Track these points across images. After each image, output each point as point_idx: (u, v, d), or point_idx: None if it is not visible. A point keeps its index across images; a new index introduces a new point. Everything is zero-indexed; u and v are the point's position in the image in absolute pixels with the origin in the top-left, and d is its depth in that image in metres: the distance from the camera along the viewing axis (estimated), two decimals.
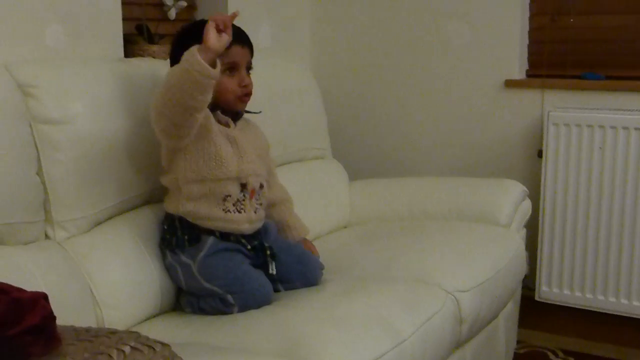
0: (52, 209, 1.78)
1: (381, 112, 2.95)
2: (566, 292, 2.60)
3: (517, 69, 2.71)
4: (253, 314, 1.73)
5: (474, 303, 1.98)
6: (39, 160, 1.76)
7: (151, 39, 2.41)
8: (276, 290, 1.87)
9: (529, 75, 2.74)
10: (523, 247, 2.37)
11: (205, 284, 1.79)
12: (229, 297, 1.76)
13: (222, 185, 1.80)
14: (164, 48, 2.37)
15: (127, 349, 1.25)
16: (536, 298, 2.65)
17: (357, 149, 2.98)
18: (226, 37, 1.68)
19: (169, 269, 1.86)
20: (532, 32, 2.73)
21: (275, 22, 2.85)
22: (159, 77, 2.06)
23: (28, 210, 1.72)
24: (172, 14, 2.51)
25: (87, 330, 1.35)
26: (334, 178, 2.62)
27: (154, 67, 2.10)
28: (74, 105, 1.82)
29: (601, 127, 2.47)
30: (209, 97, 1.71)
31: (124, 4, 2.29)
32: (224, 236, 1.82)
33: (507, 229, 2.37)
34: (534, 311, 2.67)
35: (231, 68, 1.84)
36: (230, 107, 1.88)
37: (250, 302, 1.76)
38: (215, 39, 1.66)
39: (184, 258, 1.81)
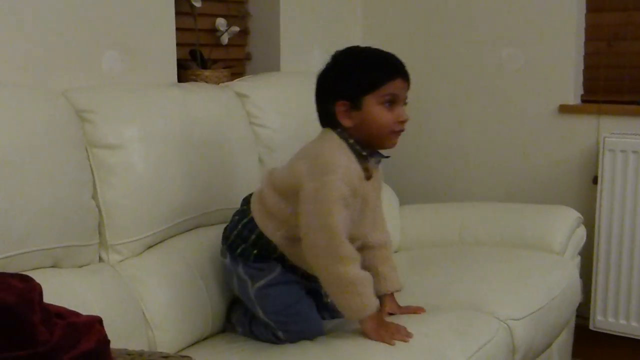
0: (106, 232, 1.80)
1: (434, 137, 2.94)
2: (622, 321, 2.53)
3: (572, 94, 2.67)
4: (304, 342, 1.72)
5: (527, 332, 1.94)
6: (94, 184, 1.79)
7: (204, 64, 2.44)
8: (322, 318, 1.85)
9: (584, 100, 2.70)
10: (577, 275, 2.32)
11: (259, 311, 1.77)
12: (280, 334, 1.74)
13: None
14: (217, 73, 2.40)
15: None
16: (591, 327, 2.59)
17: (408, 174, 2.97)
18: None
19: (225, 268, 1.83)
20: (587, 57, 2.69)
21: (327, 45, 2.85)
22: (212, 101, 2.09)
23: (83, 234, 1.75)
24: (225, 39, 2.54)
25: (140, 354, 1.36)
26: (384, 202, 2.60)
27: (208, 92, 2.13)
28: (128, 130, 1.85)
29: None
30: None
31: (177, 29, 2.32)
32: (290, 268, 1.78)
33: (561, 257, 2.33)
34: (588, 341, 2.60)
35: (391, 101, 1.70)
36: (381, 143, 1.73)
37: (301, 338, 1.73)
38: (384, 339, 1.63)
39: (242, 272, 1.78)
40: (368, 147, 1.73)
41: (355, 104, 1.70)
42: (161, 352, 1.43)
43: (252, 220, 1.78)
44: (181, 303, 1.83)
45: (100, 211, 1.79)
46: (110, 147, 1.81)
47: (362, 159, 1.72)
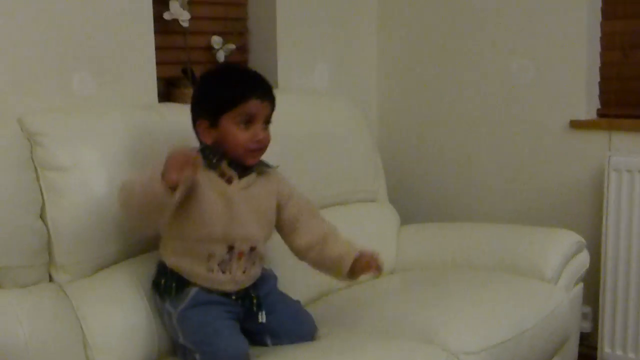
0: (55, 253, 1.83)
1: (443, 153, 2.84)
2: (631, 355, 2.35)
3: (584, 108, 2.50)
4: None
5: None
6: (43, 205, 1.83)
7: (195, 82, 2.45)
8: (264, 344, 1.83)
9: (600, 114, 2.53)
10: (566, 305, 2.16)
11: (180, 338, 1.76)
12: (197, 356, 1.72)
13: (206, 245, 1.76)
14: None
15: None
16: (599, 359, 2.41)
17: (414, 191, 2.88)
18: (188, 172, 1.61)
19: (159, 313, 1.86)
20: (603, 68, 2.51)
21: (335, 61, 2.81)
22: (176, 123, 2.09)
23: (28, 254, 1.78)
24: (221, 56, 2.54)
25: None
26: (380, 222, 2.53)
27: (176, 114, 2.13)
28: (80, 153, 1.87)
29: None
30: (162, 217, 1.68)
31: (169, 48, 2.36)
32: (208, 290, 1.78)
33: (550, 285, 2.19)
34: None
35: (246, 121, 1.76)
36: (239, 161, 1.79)
37: None
38: (175, 176, 1.58)
39: (167, 306, 1.80)
40: (228, 159, 1.78)
41: (213, 122, 1.76)
42: None
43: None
44: (125, 325, 1.83)
45: (48, 232, 1.83)
46: (59, 169, 1.83)
47: (212, 164, 1.77)
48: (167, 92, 2.43)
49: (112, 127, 1.96)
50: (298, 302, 1.97)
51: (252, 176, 1.83)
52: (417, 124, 2.89)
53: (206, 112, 1.78)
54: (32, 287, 1.80)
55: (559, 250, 2.24)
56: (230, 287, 1.79)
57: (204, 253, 1.76)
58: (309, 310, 2.00)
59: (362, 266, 1.84)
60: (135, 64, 2.22)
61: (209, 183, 1.76)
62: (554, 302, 2.11)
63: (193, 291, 1.77)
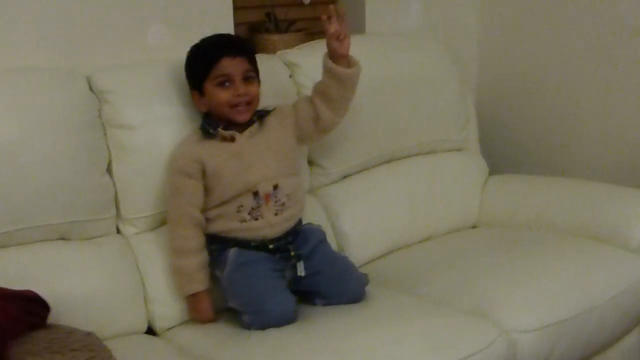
0: (121, 207, 1.90)
1: (545, 102, 2.66)
2: None
3: None
4: (269, 333, 1.71)
5: (540, 344, 1.77)
6: (110, 162, 1.90)
7: (278, 27, 2.41)
8: (314, 304, 1.84)
9: None
10: None
11: (229, 300, 1.82)
12: (245, 317, 1.77)
13: (232, 201, 1.82)
14: (287, 37, 2.37)
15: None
16: None
17: (515, 141, 2.74)
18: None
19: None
20: None
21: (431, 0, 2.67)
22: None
23: (95, 208, 1.86)
24: None
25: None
26: (465, 174, 2.42)
27: None
28: (147, 111, 1.91)
29: None
30: None
31: None
32: (246, 244, 1.82)
33: (634, 255, 2.04)
34: None
35: (225, 81, 1.84)
36: (230, 118, 1.86)
37: (265, 322, 1.73)
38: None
39: (217, 272, 1.85)
40: (221, 123, 1.87)
41: (200, 91, 1.87)
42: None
43: None
44: None
45: (115, 187, 1.89)
46: (127, 128, 1.88)
47: (211, 134, 1.86)
48: (251, 37, 2.41)
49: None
50: (345, 258, 1.96)
51: (254, 126, 1.90)
52: (519, 69, 2.71)
53: (193, 84, 1.90)
54: (97, 239, 1.89)
55: None
56: (267, 233, 1.83)
57: (233, 208, 1.82)
58: (371, 269, 1.99)
59: (334, 44, 1.89)
60: (211, 10, 2.19)
61: (215, 151, 1.84)
62: (634, 276, 1.97)
63: (232, 253, 1.82)
